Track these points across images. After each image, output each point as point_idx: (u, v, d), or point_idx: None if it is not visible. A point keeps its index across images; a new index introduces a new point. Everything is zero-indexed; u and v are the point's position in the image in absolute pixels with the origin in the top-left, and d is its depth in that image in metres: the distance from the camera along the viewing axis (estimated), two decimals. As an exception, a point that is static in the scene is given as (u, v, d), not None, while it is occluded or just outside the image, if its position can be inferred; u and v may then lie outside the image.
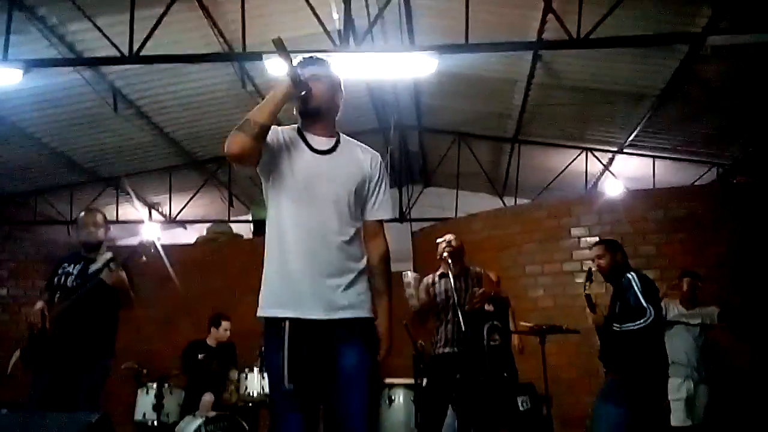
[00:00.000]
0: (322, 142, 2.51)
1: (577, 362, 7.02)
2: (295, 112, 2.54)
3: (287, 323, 2.31)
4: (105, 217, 4.36)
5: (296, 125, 2.56)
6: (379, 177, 2.58)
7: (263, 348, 2.65)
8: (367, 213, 2.56)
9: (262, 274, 2.47)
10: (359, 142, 2.64)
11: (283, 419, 2.33)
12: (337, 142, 2.55)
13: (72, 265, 4.17)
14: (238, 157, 2.36)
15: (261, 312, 2.41)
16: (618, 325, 4.28)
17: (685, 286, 5.78)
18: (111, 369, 4.18)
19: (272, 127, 2.40)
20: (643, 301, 4.16)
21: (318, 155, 2.48)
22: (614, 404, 4.17)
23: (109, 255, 4.11)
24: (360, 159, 2.55)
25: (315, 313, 2.32)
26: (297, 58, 2.51)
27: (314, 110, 2.49)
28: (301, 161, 2.45)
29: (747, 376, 6.26)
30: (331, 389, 2.34)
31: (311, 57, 2.58)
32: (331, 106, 2.55)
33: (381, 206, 2.59)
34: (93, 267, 4.08)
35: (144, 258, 4.00)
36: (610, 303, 4.48)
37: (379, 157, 2.63)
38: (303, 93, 2.44)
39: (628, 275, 4.29)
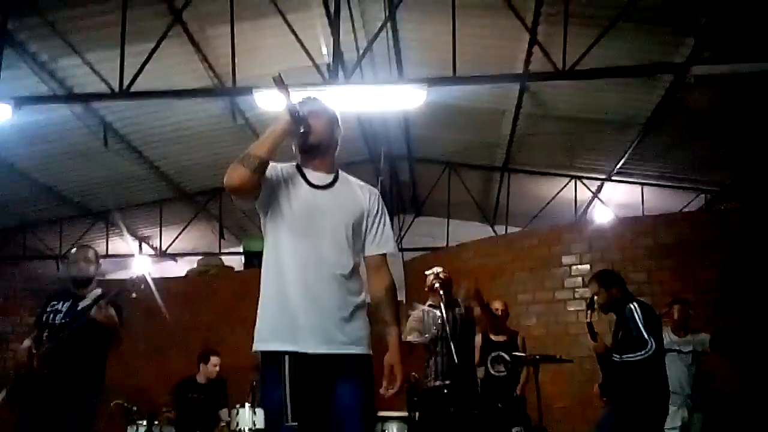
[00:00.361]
0: (320, 178, 2.51)
1: (571, 391, 6.99)
2: (294, 149, 2.55)
3: (287, 357, 2.26)
4: (96, 254, 4.33)
5: (295, 162, 2.56)
6: (378, 211, 2.56)
7: (255, 383, 2.62)
8: (368, 247, 2.53)
9: (255, 306, 2.44)
10: (357, 179, 2.65)
11: None
12: (336, 177, 2.55)
13: (61, 302, 4.11)
14: (238, 189, 2.37)
15: (259, 346, 2.37)
16: (618, 356, 4.28)
17: (676, 313, 5.77)
18: (99, 406, 4.11)
19: (271, 162, 2.41)
20: (644, 332, 4.17)
21: (316, 190, 2.47)
22: None
23: (99, 291, 4.06)
24: (358, 194, 2.55)
25: (315, 347, 2.28)
26: (295, 95, 2.51)
27: (314, 146, 2.50)
28: (300, 196, 2.45)
29: (740, 401, 6.25)
30: (328, 425, 2.30)
31: (309, 96, 2.62)
32: (330, 141, 2.56)
33: (383, 240, 2.55)
34: (82, 304, 4.02)
35: (134, 294, 3.96)
36: (613, 333, 4.50)
37: (378, 192, 2.63)
38: (302, 129, 2.45)
39: (630, 306, 4.30)
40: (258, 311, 2.43)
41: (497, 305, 5.84)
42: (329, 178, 2.53)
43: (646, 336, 4.14)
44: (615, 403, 4.40)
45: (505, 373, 5.46)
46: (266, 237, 2.50)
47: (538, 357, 5.36)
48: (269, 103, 5.53)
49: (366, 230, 2.52)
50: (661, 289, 6.87)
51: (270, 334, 2.34)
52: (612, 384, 4.42)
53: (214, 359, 6.36)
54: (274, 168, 2.46)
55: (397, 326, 2.54)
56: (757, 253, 6.77)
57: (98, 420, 4.11)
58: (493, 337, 5.61)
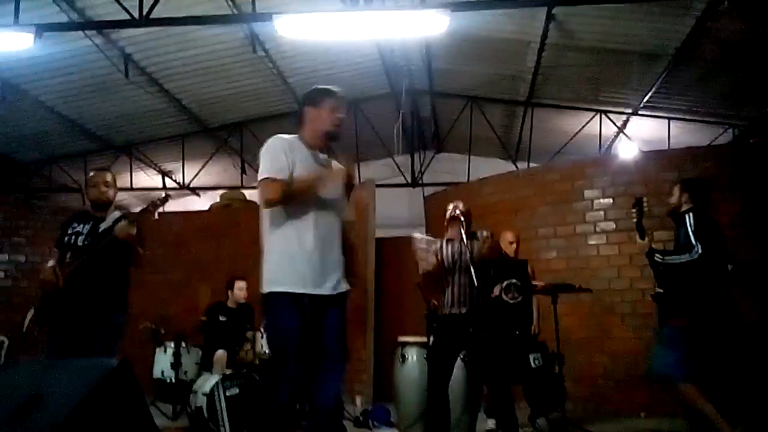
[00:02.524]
0: (322, 158, 3.23)
1: (589, 323, 7.05)
2: (314, 133, 3.23)
3: (307, 298, 3.07)
4: (114, 177, 4.37)
5: (297, 136, 3.23)
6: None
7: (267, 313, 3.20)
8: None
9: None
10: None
11: (293, 369, 3.06)
12: (328, 156, 3.25)
13: (81, 225, 4.19)
14: (273, 205, 3.10)
15: (280, 288, 3.07)
16: (660, 257, 4.20)
17: None
18: (125, 326, 4.22)
19: (280, 138, 3.18)
20: (692, 237, 4.07)
21: (323, 167, 3.17)
22: (672, 349, 4.13)
23: (118, 213, 4.14)
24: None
25: (330, 290, 3.14)
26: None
27: (335, 138, 3.25)
28: (311, 171, 3.13)
29: (760, 334, 6.25)
30: (321, 335, 3.14)
31: (342, 93, 3.26)
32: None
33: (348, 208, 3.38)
34: (103, 226, 4.10)
35: (156, 214, 4.02)
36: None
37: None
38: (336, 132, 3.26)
39: (687, 214, 4.25)
40: (274, 260, 3.12)
41: (509, 237, 5.84)
42: (325, 156, 3.24)
43: (693, 241, 4.05)
44: (671, 316, 4.29)
45: (520, 298, 5.49)
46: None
47: (556, 286, 5.40)
48: (289, 29, 5.45)
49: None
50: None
51: (292, 281, 3.06)
52: (666, 295, 4.32)
53: (239, 283, 6.53)
54: (286, 148, 3.12)
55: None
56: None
57: (127, 342, 4.23)
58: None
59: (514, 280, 5.47)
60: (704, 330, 4.12)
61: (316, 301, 3.09)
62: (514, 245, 5.82)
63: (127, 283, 4.24)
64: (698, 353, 4.09)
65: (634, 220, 4.55)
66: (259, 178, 3.11)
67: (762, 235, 6.62)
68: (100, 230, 4.08)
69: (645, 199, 4.51)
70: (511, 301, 5.41)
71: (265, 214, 3.15)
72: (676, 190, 4.54)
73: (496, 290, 5.35)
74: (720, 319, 4.19)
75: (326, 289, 3.12)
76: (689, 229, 4.14)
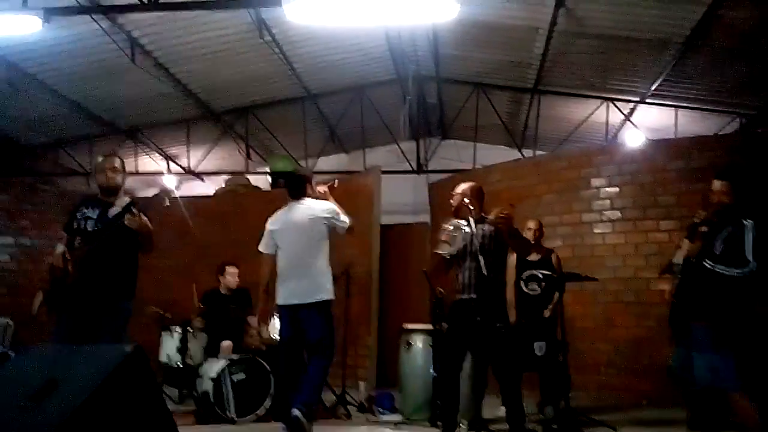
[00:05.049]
0: None
1: (593, 312, 7.08)
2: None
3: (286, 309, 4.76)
4: (123, 162, 4.38)
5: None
6: None
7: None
8: None
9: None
10: None
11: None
12: None
13: (91, 210, 4.20)
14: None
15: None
16: (711, 264, 3.94)
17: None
18: (132, 311, 4.25)
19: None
20: (749, 251, 3.85)
21: None
22: (712, 351, 3.89)
23: (127, 199, 4.14)
24: None
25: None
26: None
27: None
28: None
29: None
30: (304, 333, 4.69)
31: None
32: None
33: None
34: (112, 211, 4.11)
35: (166, 203, 4.03)
36: (704, 239, 4.12)
37: None
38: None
39: (747, 222, 3.96)
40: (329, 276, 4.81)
41: (531, 225, 5.82)
42: None
43: (749, 255, 3.83)
44: (698, 318, 4.05)
45: (539, 291, 5.47)
46: (328, 241, 4.86)
47: (562, 275, 5.41)
48: (297, 14, 5.42)
49: None
50: (690, 213, 6.73)
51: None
52: (696, 296, 4.06)
53: (229, 269, 6.50)
54: None
55: None
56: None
57: (133, 327, 4.26)
58: (527, 257, 5.61)
59: (534, 271, 5.47)
60: (730, 335, 3.93)
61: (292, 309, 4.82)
62: (536, 233, 5.78)
63: (136, 269, 4.26)
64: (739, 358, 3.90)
65: (698, 220, 4.25)
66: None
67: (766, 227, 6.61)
68: (109, 216, 4.09)
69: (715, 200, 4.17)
70: (530, 293, 5.41)
71: None
72: (721, 185, 4.13)
73: (546, 313, 5.33)
74: (745, 324, 4.03)
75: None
76: (747, 240, 3.88)
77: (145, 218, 3.99)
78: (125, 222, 3.96)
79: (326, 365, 4.67)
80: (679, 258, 4.39)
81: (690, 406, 4.52)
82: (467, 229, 4.33)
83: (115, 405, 2.17)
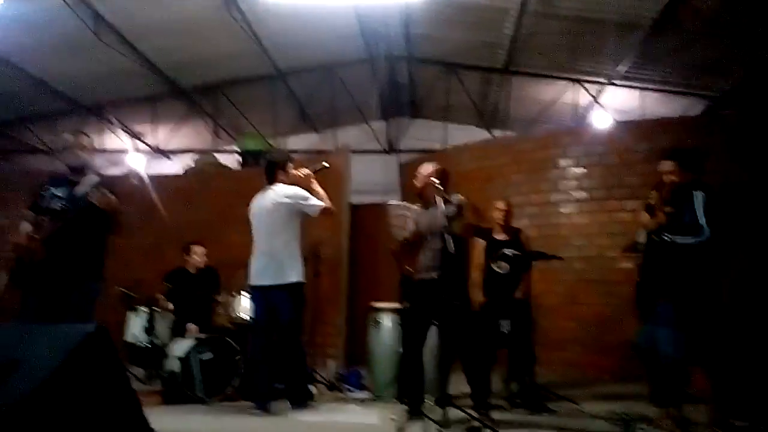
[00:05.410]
0: None
1: (558, 289, 7.18)
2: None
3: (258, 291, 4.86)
4: (91, 140, 4.31)
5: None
6: None
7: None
8: None
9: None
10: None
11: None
12: None
13: (58, 188, 4.14)
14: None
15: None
16: (669, 236, 4.03)
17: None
18: (100, 291, 4.21)
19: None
20: (702, 218, 3.92)
21: None
22: (676, 327, 3.98)
23: (95, 178, 4.08)
24: None
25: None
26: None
27: None
28: None
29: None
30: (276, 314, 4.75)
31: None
32: None
33: None
34: (80, 190, 4.04)
35: (134, 182, 3.98)
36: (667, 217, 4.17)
37: None
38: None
39: (696, 192, 4.02)
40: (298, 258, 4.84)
41: (500, 205, 5.83)
42: None
43: (702, 222, 3.90)
44: (667, 293, 4.12)
45: (509, 269, 5.52)
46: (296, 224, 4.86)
47: (530, 253, 5.47)
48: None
49: None
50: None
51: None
52: (660, 272, 4.15)
53: (196, 248, 6.41)
54: None
55: None
56: (754, 158, 6.77)
57: (100, 307, 4.21)
58: (496, 237, 5.65)
59: (504, 250, 5.51)
60: (692, 311, 4.02)
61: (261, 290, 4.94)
62: (505, 213, 5.81)
63: (104, 249, 4.21)
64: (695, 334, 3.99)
65: (652, 202, 4.32)
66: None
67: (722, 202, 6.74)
68: (77, 194, 4.02)
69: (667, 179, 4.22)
70: (501, 272, 5.45)
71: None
72: (669, 165, 4.22)
73: (518, 294, 5.38)
74: (706, 301, 4.09)
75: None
76: (698, 209, 3.96)
77: (113, 197, 3.94)
78: (93, 200, 3.91)
79: (298, 343, 4.82)
80: (642, 237, 4.48)
81: (652, 380, 4.62)
82: (429, 212, 4.37)
83: (77, 384, 2.16)
